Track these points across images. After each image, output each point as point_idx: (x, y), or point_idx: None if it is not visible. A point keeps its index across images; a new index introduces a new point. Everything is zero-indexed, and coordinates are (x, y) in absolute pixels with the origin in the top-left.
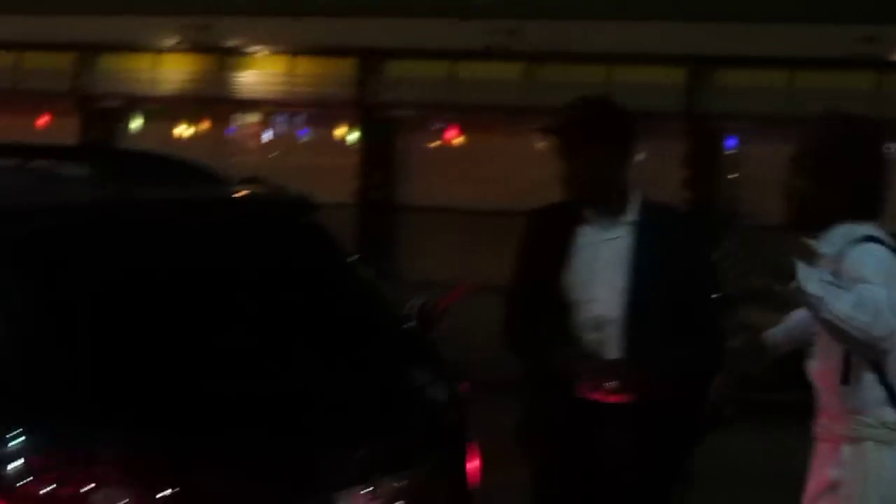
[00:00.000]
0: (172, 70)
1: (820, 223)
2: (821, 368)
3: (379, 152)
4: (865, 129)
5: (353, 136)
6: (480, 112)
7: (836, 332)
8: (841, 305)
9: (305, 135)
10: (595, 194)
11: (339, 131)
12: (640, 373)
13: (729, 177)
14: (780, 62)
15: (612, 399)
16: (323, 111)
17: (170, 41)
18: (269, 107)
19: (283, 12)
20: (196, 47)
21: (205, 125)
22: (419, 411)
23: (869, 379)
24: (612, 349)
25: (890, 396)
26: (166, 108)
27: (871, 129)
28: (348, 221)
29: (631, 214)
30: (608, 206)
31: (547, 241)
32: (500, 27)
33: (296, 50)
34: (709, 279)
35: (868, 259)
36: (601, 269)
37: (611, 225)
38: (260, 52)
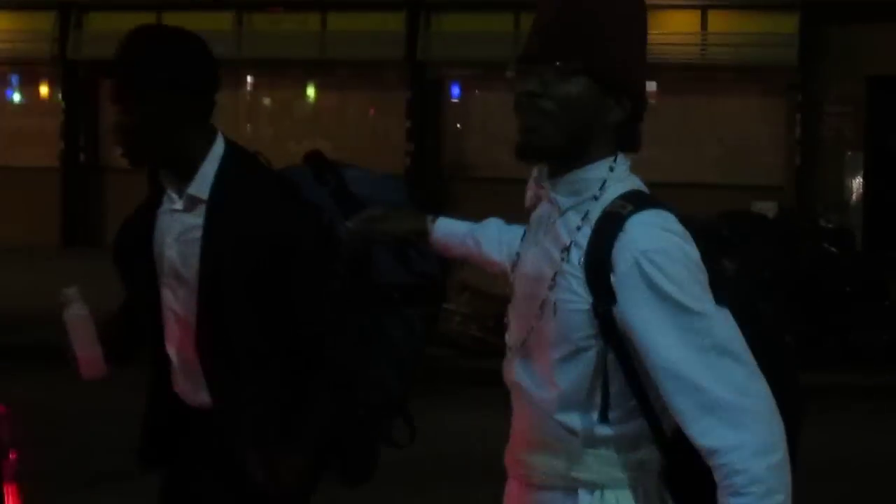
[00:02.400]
0: None
1: (556, 154)
2: (543, 385)
3: (83, 112)
4: None
5: (56, 96)
6: None
7: None
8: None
9: (4, 95)
10: (142, 154)
11: (41, 90)
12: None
13: (457, 126)
14: (504, 5)
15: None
16: (22, 69)
17: None
18: None
19: None
20: None
21: None
22: None
23: (628, 408)
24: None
25: (654, 429)
26: None
27: None
28: (53, 185)
29: (198, 186)
30: (170, 169)
31: (144, 205)
32: None
33: None
34: (317, 279)
35: (675, 267)
36: (168, 251)
37: (177, 192)
38: None
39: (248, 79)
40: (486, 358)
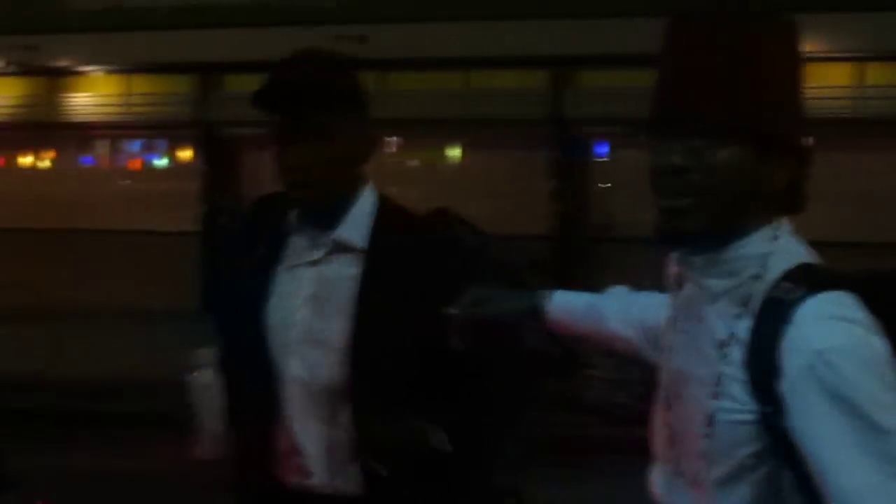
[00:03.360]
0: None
1: (708, 237)
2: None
3: (223, 175)
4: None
5: (196, 159)
6: None
7: None
8: None
9: (145, 159)
10: (299, 188)
11: (181, 154)
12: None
13: (600, 186)
14: (649, 61)
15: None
16: (163, 133)
17: None
18: (105, 130)
19: (114, 27)
20: (24, 69)
21: (39, 152)
22: None
23: None
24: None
25: None
26: None
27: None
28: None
29: (349, 231)
30: (317, 211)
31: (248, 253)
32: (347, 33)
33: (130, 68)
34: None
35: (859, 371)
36: (300, 312)
37: (317, 239)
38: (93, 71)
39: (389, 138)
40: (635, 426)
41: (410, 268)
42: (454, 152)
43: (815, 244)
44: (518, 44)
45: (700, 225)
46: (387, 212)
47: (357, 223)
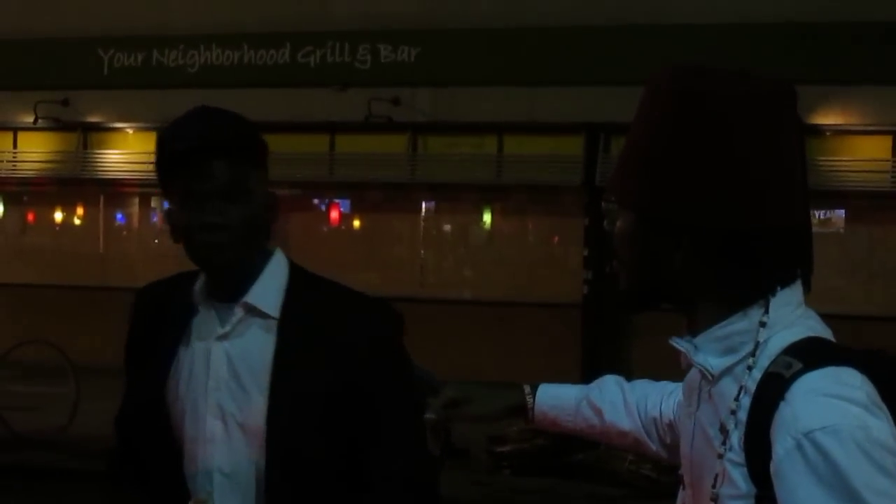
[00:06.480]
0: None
1: (689, 296)
2: None
3: None
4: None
5: None
6: (363, 188)
7: None
8: None
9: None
10: (218, 251)
11: None
12: None
13: None
14: None
15: None
16: None
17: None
18: (136, 188)
19: (150, 85)
20: (56, 124)
21: (69, 208)
22: None
23: None
24: None
25: None
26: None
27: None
28: None
29: (258, 298)
30: (226, 280)
31: (154, 336)
32: (381, 96)
33: (162, 126)
34: (403, 410)
35: (850, 454)
36: (215, 394)
37: (226, 312)
38: (124, 128)
39: (423, 203)
40: (659, 499)
41: (326, 342)
42: (486, 217)
43: (849, 318)
44: (552, 109)
45: (624, 287)
46: (300, 279)
47: (269, 289)
